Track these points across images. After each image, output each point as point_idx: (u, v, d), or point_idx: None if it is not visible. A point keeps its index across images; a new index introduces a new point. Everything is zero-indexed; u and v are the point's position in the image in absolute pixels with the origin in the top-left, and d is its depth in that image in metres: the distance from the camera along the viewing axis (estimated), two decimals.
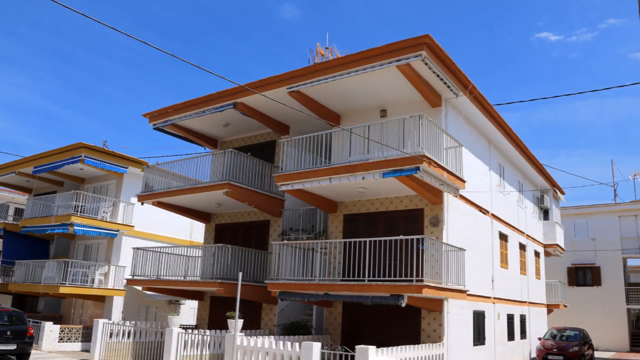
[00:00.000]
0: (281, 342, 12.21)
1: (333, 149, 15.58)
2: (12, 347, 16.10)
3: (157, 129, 19.66)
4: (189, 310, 26.89)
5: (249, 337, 12.98)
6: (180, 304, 26.24)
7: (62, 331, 21.51)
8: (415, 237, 12.41)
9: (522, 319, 21.52)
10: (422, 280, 11.93)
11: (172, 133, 20.23)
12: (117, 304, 24.26)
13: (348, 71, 14.10)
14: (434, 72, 13.69)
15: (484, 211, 17.68)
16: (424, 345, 12.86)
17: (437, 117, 14.93)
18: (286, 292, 14.52)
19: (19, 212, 30.22)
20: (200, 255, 17.77)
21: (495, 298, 18.09)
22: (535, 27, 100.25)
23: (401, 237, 12.68)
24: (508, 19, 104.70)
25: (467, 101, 15.27)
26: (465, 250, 14.18)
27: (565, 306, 28.86)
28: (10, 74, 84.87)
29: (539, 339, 22.61)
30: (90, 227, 23.38)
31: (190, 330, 15.01)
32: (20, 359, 16.69)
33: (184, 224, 26.83)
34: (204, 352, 14.67)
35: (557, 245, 26.75)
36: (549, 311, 27.09)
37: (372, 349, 10.72)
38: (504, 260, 19.52)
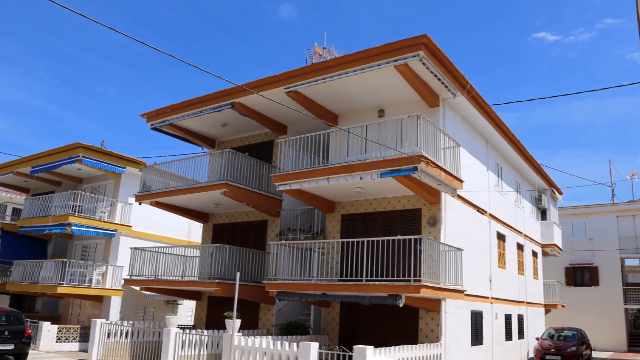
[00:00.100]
0: (279, 342, 12.20)
1: (331, 149, 15.58)
2: (10, 347, 16.09)
3: (155, 129, 19.65)
4: (187, 310, 26.87)
5: (246, 337, 12.97)
6: (178, 304, 26.22)
7: (59, 331, 21.50)
8: (413, 237, 12.42)
9: (520, 319, 21.54)
10: (419, 280, 11.93)
11: (170, 133, 20.21)
12: (115, 304, 24.25)
13: (346, 71, 14.10)
14: (431, 72, 13.70)
15: (481, 211, 17.69)
16: (421, 345, 12.87)
17: (434, 117, 14.93)
18: (284, 292, 14.52)
19: (16, 212, 30.22)
20: (198, 255, 17.76)
21: (493, 298, 18.10)
22: (533, 27, 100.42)
23: (399, 237, 12.69)
24: (506, 19, 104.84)
25: (465, 101, 15.28)
26: (462, 250, 14.20)
27: (563, 306, 28.89)
28: (8, 74, 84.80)
29: (537, 339, 22.63)
30: (88, 227, 23.36)
31: (188, 330, 15.00)
32: (18, 359, 16.68)
33: (182, 224, 26.81)
34: (201, 352, 14.66)
35: (555, 245, 26.78)
36: (547, 311, 27.12)
37: (369, 349, 10.72)
38: (501, 260, 19.53)
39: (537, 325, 24.28)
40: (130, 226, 24.93)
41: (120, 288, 23.89)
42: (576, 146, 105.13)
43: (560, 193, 28.70)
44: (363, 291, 12.70)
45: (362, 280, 12.80)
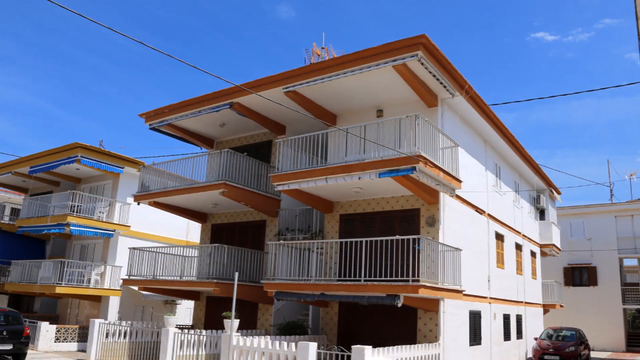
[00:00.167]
0: (277, 342, 12.19)
1: (329, 149, 15.58)
2: (8, 347, 16.08)
3: (154, 129, 19.64)
4: (185, 310, 26.85)
5: (245, 337, 12.97)
6: (176, 304, 26.21)
7: (58, 331, 21.48)
8: (411, 237, 12.42)
9: (519, 319, 21.55)
10: (418, 280, 11.93)
11: (169, 133, 20.21)
12: (114, 304, 24.24)
13: (344, 71, 14.09)
14: (430, 72, 13.70)
15: (480, 211, 17.70)
16: (420, 345, 12.87)
17: (433, 117, 14.93)
18: (282, 292, 14.51)
19: (15, 212, 30.16)
20: (196, 255, 17.75)
21: (491, 298, 18.11)
22: (531, 27, 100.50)
23: (397, 237, 12.68)
24: (504, 19, 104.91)
25: (463, 101, 15.28)
26: (461, 250, 14.20)
27: (561, 306, 28.90)
28: (8, 74, 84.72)
29: (535, 339, 22.65)
30: (86, 227, 23.35)
31: (186, 330, 14.99)
32: (17, 359, 16.67)
33: (180, 224, 26.80)
34: (200, 352, 14.65)
35: (554, 245, 26.79)
36: (545, 311, 27.14)
37: (368, 348, 10.72)
38: (500, 260, 19.54)
39: (535, 325, 24.29)
40: (129, 226, 24.92)
41: (118, 288, 23.88)
42: (575, 146, 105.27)
43: (559, 193, 28.72)
44: (361, 291, 12.70)
45: (360, 280, 12.80)
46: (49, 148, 25.01)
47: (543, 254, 27.28)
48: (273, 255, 14.83)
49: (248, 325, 17.32)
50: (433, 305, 13.75)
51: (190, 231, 28.09)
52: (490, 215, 18.70)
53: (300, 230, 17.10)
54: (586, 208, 35.39)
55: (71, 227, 22.81)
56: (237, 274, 13.12)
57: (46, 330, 21.05)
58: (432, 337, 13.85)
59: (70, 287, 22.63)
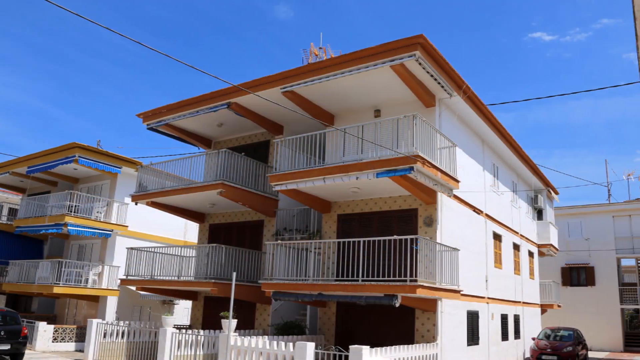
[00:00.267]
0: (275, 342, 12.20)
1: (327, 149, 15.58)
2: (6, 347, 16.04)
3: (151, 129, 19.63)
4: (183, 310, 26.83)
5: (242, 337, 12.97)
6: (174, 304, 26.20)
7: (56, 331, 21.46)
8: (409, 237, 12.43)
9: (516, 319, 21.57)
10: (416, 280, 11.94)
11: (166, 133, 20.20)
12: (111, 304, 24.21)
13: (342, 71, 14.10)
14: (427, 72, 13.71)
15: (477, 211, 17.72)
16: (417, 345, 12.88)
17: (431, 117, 14.94)
18: (280, 292, 14.51)
19: (12, 212, 30.14)
20: (194, 255, 17.74)
21: (489, 298, 18.12)
22: (529, 27, 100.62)
23: (395, 237, 12.69)
24: (502, 19, 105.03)
25: (461, 101, 15.29)
26: (459, 250, 14.20)
27: (559, 306, 28.94)
28: (5, 74, 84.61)
29: (533, 339, 22.66)
30: (84, 227, 23.33)
31: (184, 330, 14.98)
32: (14, 359, 16.63)
33: (178, 224, 26.79)
34: (197, 352, 14.65)
35: (551, 245, 26.82)
36: (543, 311, 27.16)
37: (366, 349, 10.72)
38: (497, 260, 19.56)
39: (533, 325, 24.32)
40: (127, 226, 24.90)
41: (116, 288, 23.86)
42: (572, 146, 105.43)
43: (557, 193, 28.76)
44: (359, 291, 12.71)
45: (358, 280, 12.80)
46: (47, 148, 25.03)
47: (541, 254, 27.32)
48: (271, 255, 14.83)
49: (246, 325, 17.32)
50: (431, 305, 13.76)
51: (188, 231, 28.09)
52: (487, 215, 18.72)
53: (298, 230, 17.10)
54: (584, 208, 35.42)
55: (69, 227, 22.79)
56: (234, 274, 13.12)
57: (44, 330, 21.02)
58: (430, 337, 13.86)
59: (68, 287, 22.60)
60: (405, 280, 12.06)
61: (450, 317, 14.57)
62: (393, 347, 11.88)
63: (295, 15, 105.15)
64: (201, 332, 14.94)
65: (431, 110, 15.09)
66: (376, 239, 13.07)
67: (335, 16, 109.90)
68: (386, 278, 12.53)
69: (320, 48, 19.59)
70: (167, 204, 18.86)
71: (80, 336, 21.90)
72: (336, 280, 13.61)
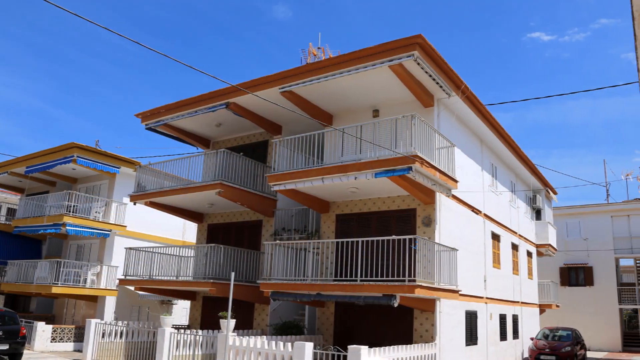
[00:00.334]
0: (273, 342, 12.19)
1: (325, 149, 15.58)
2: (5, 347, 16.03)
3: (150, 129, 19.62)
4: (182, 310, 26.84)
5: (241, 337, 12.96)
6: (172, 304, 26.19)
7: (54, 331, 21.44)
8: (407, 237, 12.43)
9: (515, 319, 21.58)
10: (414, 280, 11.94)
11: (165, 133, 20.18)
12: (110, 304, 24.19)
13: (340, 71, 14.10)
14: (426, 72, 13.70)
15: (476, 211, 17.72)
16: (416, 345, 12.88)
17: (429, 117, 14.95)
18: (278, 292, 14.51)
19: (11, 212, 30.14)
20: (192, 255, 17.74)
21: (487, 298, 18.13)
22: (527, 27, 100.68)
23: (393, 237, 12.69)
24: (500, 19, 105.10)
25: (460, 101, 15.30)
26: (457, 250, 14.21)
27: (557, 306, 28.94)
28: (4, 75, 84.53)
29: (532, 339, 22.68)
30: (82, 227, 23.31)
31: (182, 331, 14.98)
32: (13, 359, 16.61)
33: (177, 224, 26.78)
34: (196, 352, 14.64)
35: (550, 245, 26.83)
36: (542, 311, 27.17)
37: (364, 349, 10.72)
38: (496, 260, 19.57)
39: (531, 325, 24.33)
40: (125, 226, 24.89)
41: (114, 288, 23.84)
42: (571, 146, 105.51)
43: (555, 193, 28.77)
44: (358, 291, 12.70)
45: (356, 280, 12.80)
46: (45, 148, 25.02)
47: (539, 254, 27.33)
48: (269, 255, 14.82)
49: (244, 325, 17.32)
50: (429, 305, 13.76)
51: (187, 231, 28.08)
52: (486, 215, 18.72)
53: (297, 230, 17.10)
54: (582, 208, 35.44)
55: (67, 227, 22.77)
56: (233, 274, 13.10)
57: (42, 330, 21.00)
58: (429, 337, 13.86)
59: (67, 287, 22.58)
60: (404, 280, 12.06)
61: (448, 317, 14.58)
62: (391, 347, 11.88)
63: (294, 15, 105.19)
64: (200, 332, 14.94)
65: (430, 110, 15.09)
66: (375, 239, 13.07)
67: (333, 16, 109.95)
68: (385, 278, 12.53)
69: (318, 48, 19.60)
70: (166, 204, 18.85)
71: (79, 336, 21.88)
72: (335, 280, 13.61)
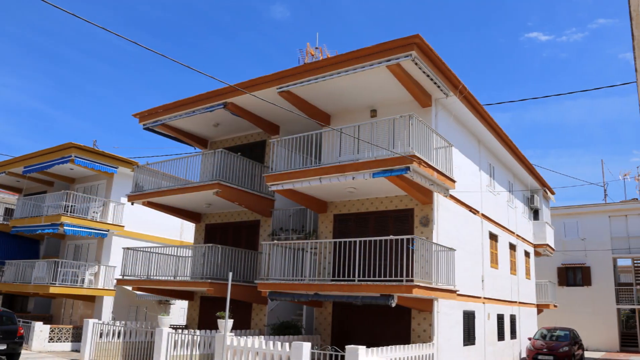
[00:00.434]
0: (271, 342, 12.19)
1: (323, 149, 15.58)
2: (2, 347, 16.02)
3: (147, 129, 19.60)
4: (179, 310, 26.81)
5: (239, 337, 12.96)
6: (170, 304, 26.17)
7: (52, 331, 21.42)
8: (405, 237, 12.44)
9: (512, 319, 21.60)
10: (412, 280, 11.95)
11: (162, 133, 20.17)
12: (107, 304, 24.19)
13: (338, 71, 14.10)
14: (424, 72, 13.71)
15: (474, 211, 17.74)
16: (414, 345, 12.89)
17: (427, 117, 14.95)
18: (276, 292, 14.51)
19: (9, 212, 30.04)
20: (190, 255, 17.73)
21: (485, 298, 18.14)
22: (525, 27, 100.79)
23: (391, 237, 12.69)
24: (498, 19, 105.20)
25: (457, 101, 15.31)
26: (455, 250, 14.22)
27: (555, 306, 28.96)
28: (2, 75, 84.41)
29: (529, 339, 22.70)
30: (80, 227, 23.30)
31: (180, 331, 14.97)
32: (11, 359, 16.60)
33: (174, 224, 26.76)
34: (194, 352, 14.63)
35: (547, 245, 26.86)
36: (539, 311, 27.20)
37: (362, 349, 10.72)
38: (494, 260, 19.58)
39: (529, 325, 24.36)
40: (123, 226, 24.87)
41: (112, 288, 23.83)
42: (568, 146, 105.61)
43: (553, 193, 28.80)
44: (355, 291, 12.71)
45: (354, 280, 12.80)
46: (43, 148, 24.98)
47: (537, 254, 27.34)
48: (267, 255, 14.82)
49: (242, 325, 17.31)
50: (427, 305, 13.77)
51: (184, 231, 28.06)
52: (484, 215, 18.74)
53: (294, 230, 17.10)
54: (580, 208, 35.48)
55: (65, 227, 22.75)
56: (231, 274, 13.11)
57: (40, 330, 20.98)
58: (426, 337, 13.87)
59: (64, 287, 22.57)
60: (402, 280, 12.06)
61: (446, 317, 14.59)
62: (389, 347, 11.88)
63: (292, 15, 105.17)
64: (197, 332, 14.92)
65: (427, 110, 15.10)
66: (372, 239, 13.08)
67: (331, 16, 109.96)
68: (382, 278, 12.54)
69: (316, 48, 19.62)
70: (164, 204, 18.84)
71: (77, 336, 21.87)
72: (332, 280, 13.61)
